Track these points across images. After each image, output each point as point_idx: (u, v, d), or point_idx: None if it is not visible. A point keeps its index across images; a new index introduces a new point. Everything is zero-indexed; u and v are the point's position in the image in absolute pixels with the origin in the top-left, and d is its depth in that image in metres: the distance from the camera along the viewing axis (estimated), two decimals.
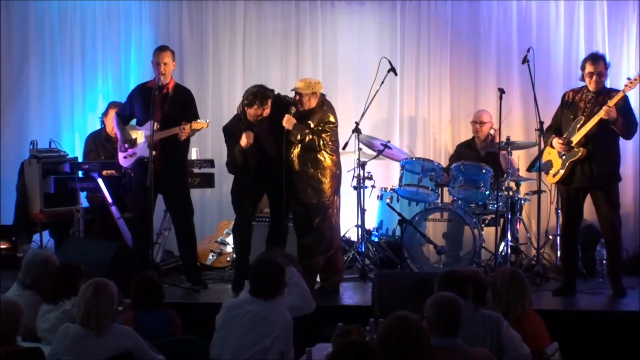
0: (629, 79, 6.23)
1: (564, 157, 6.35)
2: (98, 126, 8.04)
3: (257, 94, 6.40)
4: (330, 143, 6.44)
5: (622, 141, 6.45)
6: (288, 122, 6.39)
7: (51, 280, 4.76)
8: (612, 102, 6.12)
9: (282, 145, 6.43)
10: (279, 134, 6.44)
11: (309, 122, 6.42)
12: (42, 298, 4.78)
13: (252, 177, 6.52)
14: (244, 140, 6.41)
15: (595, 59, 6.32)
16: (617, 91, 6.26)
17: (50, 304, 4.64)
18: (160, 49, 6.76)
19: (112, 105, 7.78)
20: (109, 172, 7.40)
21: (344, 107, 8.14)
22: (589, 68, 6.29)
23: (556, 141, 6.35)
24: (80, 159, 7.90)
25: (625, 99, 6.26)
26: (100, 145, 7.77)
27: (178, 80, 7.43)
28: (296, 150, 6.45)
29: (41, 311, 4.65)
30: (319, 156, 6.44)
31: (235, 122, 6.63)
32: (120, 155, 6.89)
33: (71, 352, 4.07)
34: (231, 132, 6.60)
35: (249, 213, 6.67)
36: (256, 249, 6.66)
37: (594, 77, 6.26)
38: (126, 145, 6.80)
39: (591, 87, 6.30)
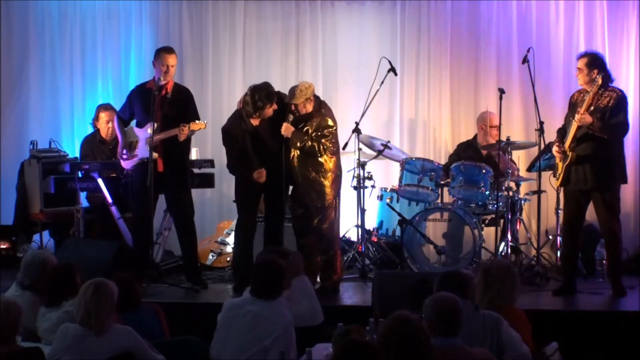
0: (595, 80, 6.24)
1: (562, 161, 6.39)
2: (90, 130, 8.01)
3: (262, 96, 6.34)
4: (330, 146, 6.44)
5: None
6: (286, 130, 6.38)
7: (48, 283, 4.74)
8: (582, 109, 6.14)
9: (281, 141, 6.42)
10: (278, 130, 6.43)
11: (307, 127, 6.41)
12: (41, 299, 4.78)
13: (256, 186, 6.53)
14: (257, 177, 6.42)
15: (579, 56, 6.41)
16: (615, 91, 6.26)
17: (50, 307, 4.63)
18: (169, 51, 6.75)
19: (101, 108, 7.76)
20: (111, 174, 7.40)
21: (344, 107, 8.15)
22: (576, 65, 6.40)
23: (554, 149, 6.42)
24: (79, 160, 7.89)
25: (618, 99, 6.23)
26: (96, 148, 7.75)
27: (178, 80, 7.44)
28: (296, 155, 6.44)
29: (42, 310, 4.65)
30: (320, 160, 6.43)
31: (236, 122, 6.61)
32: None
33: (71, 352, 4.07)
34: (231, 134, 6.58)
35: (253, 212, 6.67)
36: (256, 249, 6.66)
37: (577, 73, 6.36)
38: (124, 151, 6.80)
39: (578, 83, 6.37)
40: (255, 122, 6.52)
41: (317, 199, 6.45)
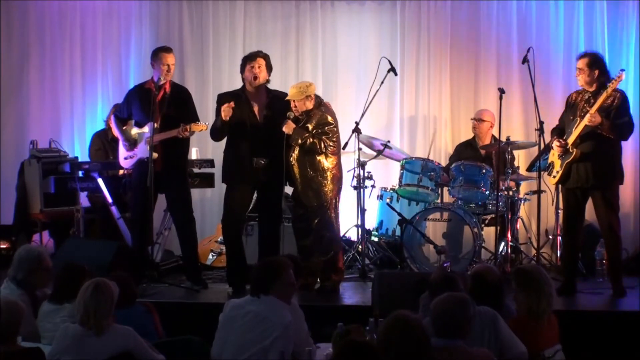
0: (612, 78, 6.22)
1: (562, 158, 6.38)
2: (102, 126, 8.05)
3: (245, 56, 6.53)
4: (331, 144, 6.43)
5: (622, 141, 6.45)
6: (288, 127, 6.37)
7: (55, 280, 4.75)
8: (593, 109, 6.14)
9: (280, 136, 6.38)
10: (277, 124, 6.41)
11: (308, 124, 6.41)
12: (30, 298, 4.77)
13: (246, 166, 6.47)
14: (224, 108, 6.36)
15: (580, 56, 6.41)
16: (617, 90, 6.25)
17: (53, 303, 4.63)
18: (167, 50, 6.75)
19: (117, 107, 7.78)
20: (123, 171, 7.37)
21: (344, 107, 8.15)
22: (576, 65, 6.39)
23: (555, 143, 6.40)
24: (80, 159, 7.89)
25: (622, 99, 6.26)
26: (107, 143, 7.79)
27: (178, 80, 7.44)
28: (295, 153, 6.44)
29: (45, 308, 4.65)
30: (318, 159, 6.42)
31: (234, 95, 6.59)
32: (121, 156, 6.89)
33: (71, 352, 4.07)
34: (224, 101, 6.53)
35: (239, 208, 6.58)
36: (253, 250, 6.65)
37: (578, 74, 6.35)
38: (126, 144, 6.81)
39: (579, 84, 6.37)
40: (255, 108, 6.51)
41: (314, 198, 6.44)
